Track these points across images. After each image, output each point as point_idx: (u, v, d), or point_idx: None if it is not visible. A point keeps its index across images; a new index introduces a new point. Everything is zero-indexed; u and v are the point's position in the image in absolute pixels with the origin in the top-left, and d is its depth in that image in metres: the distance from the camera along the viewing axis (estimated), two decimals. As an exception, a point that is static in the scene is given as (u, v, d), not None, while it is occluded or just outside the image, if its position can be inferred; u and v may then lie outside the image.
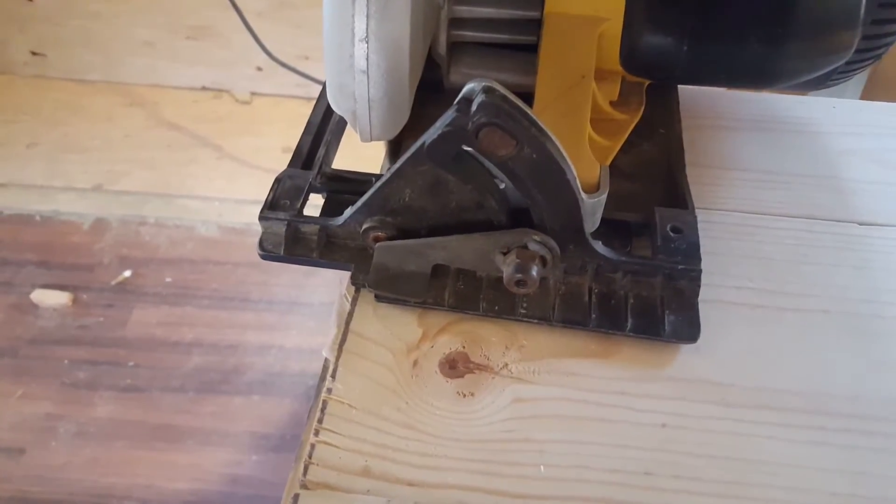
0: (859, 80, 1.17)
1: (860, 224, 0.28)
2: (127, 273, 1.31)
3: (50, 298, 1.28)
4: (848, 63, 0.27)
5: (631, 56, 0.24)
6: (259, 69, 1.56)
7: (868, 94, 1.05)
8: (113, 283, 1.29)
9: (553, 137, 0.21)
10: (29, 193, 1.46)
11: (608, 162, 0.28)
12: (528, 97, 0.25)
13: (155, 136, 1.56)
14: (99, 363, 1.19)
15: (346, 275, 0.26)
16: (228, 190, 1.44)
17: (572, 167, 0.22)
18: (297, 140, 0.31)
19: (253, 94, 1.64)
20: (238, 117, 1.60)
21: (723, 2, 0.21)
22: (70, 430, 1.11)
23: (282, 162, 0.34)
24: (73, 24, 1.59)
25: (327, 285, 1.29)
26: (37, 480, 1.06)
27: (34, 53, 1.66)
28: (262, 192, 0.34)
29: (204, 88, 1.64)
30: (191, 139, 1.54)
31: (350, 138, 0.30)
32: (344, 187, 0.28)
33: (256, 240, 0.26)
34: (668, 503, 0.20)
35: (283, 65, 1.43)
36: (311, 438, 0.21)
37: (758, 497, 0.20)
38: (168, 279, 1.30)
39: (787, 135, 0.32)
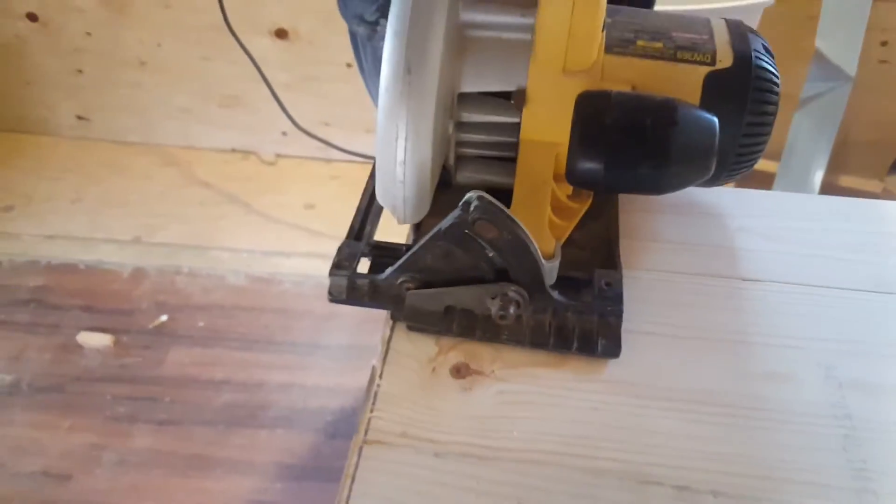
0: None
1: (742, 279, 0.41)
2: (163, 318, 1.43)
3: (94, 340, 1.40)
4: (727, 175, 0.40)
5: (570, 174, 0.37)
6: (284, 134, 1.71)
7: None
8: (151, 326, 1.42)
9: (521, 226, 0.34)
10: (74, 244, 1.59)
11: (565, 236, 0.40)
12: (508, 193, 0.38)
13: (188, 193, 1.70)
14: (138, 399, 1.30)
15: (383, 314, 0.39)
16: (255, 242, 1.57)
17: (535, 244, 0.35)
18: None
19: (278, 155, 1.78)
20: (264, 177, 1.74)
21: (625, 143, 0.34)
22: (112, 459, 1.21)
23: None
24: (117, 92, 1.74)
25: (343, 330, 1.41)
26: (82, 504, 1.15)
27: (80, 118, 1.81)
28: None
29: (233, 150, 1.79)
30: (221, 196, 1.68)
31: (386, 218, 0.43)
32: (383, 253, 0.41)
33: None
34: (595, 455, 0.32)
35: (305, 132, 1.58)
36: (368, 416, 0.33)
37: (652, 453, 0.32)
38: (201, 323, 1.43)
39: (698, 216, 0.45)
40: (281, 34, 1.56)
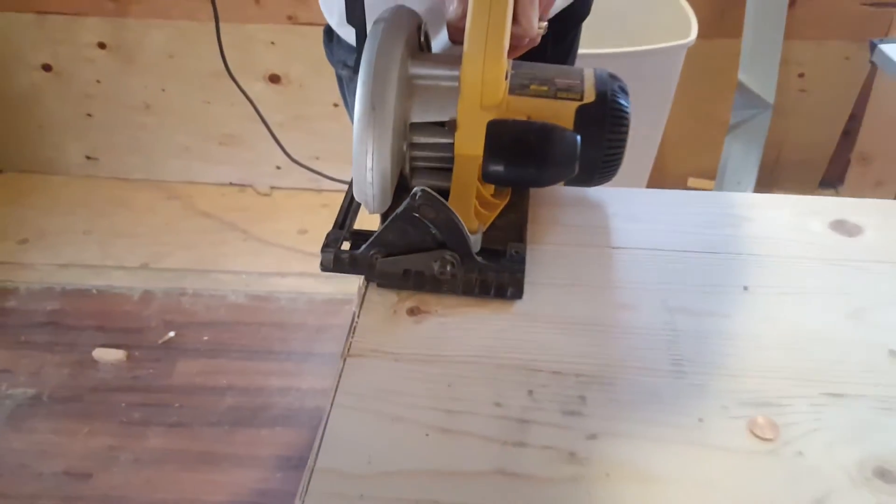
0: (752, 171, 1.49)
1: (611, 248, 0.58)
2: (171, 334, 1.58)
3: (108, 355, 1.54)
4: (599, 177, 0.57)
5: (485, 175, 0.54)
6: (278, 167, 1.88)
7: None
8: (160, 342, 1.57)
9: (453, 211, 0.51)
10: (87, 272, 1.74)
11: (489, 222, 0.57)
12: (448, 192, 0.55)
13: (191, 223, 1.86)
14: (150, 405, 1.44)
15: (358, 279, 0.55)
16: (253, 265, 1.73)
17: (463, 223, 0.52)
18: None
19: (272, 188, 1.95)
20: (260, 207, 1.91)
21: (518, 153, 0.51)
22: (128, 458, 1.35)
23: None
24: (123, 133, 1.91)
25: (334, 340, 1.56)
26: (103, 498, 1.29)
27: (88, 157, 1.98)
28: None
29: (231, 184, 1.96)
30: (221, 225, 1.85)
31: (362, 211, 0.59)
32: (359, 237, 0.57)
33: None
34: (500, 356, 0.48)
35: (299, 163, 1.76)
36: (350, 340, 0.50)
37: (538, 354, 0.49)
38: (205, 338, 1.58)
39: (585, 207, 0.62)
40: (274, 79, 1.75)
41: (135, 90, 1.81)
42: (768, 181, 1.73)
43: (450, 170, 0.56)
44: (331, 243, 0.56)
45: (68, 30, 1.70)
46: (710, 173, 1.64)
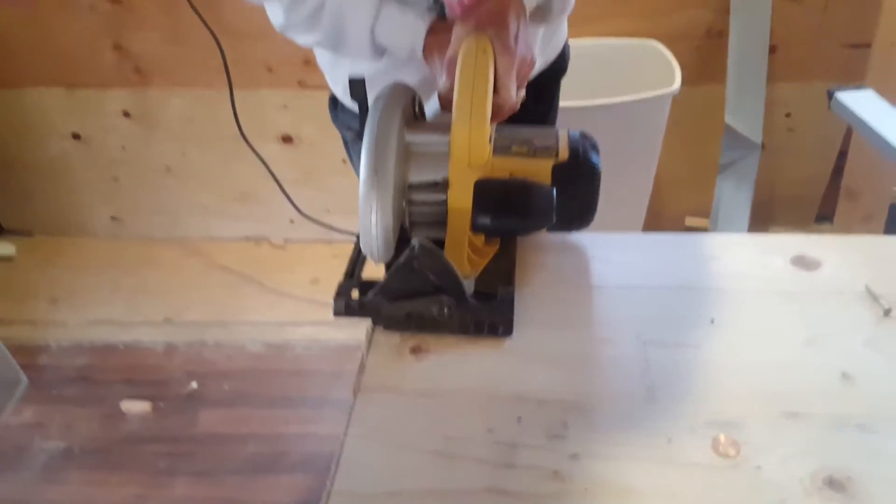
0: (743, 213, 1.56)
1: (590, 286, 0.64)
2: (194, 384, 1.65)
3: (135, 407, 1.61)
4: (577, 225, 0.64)
5: (474, 226, 0.61)
6: (291, 221, 1.97)
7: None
8: (184, 392, 1.63)
9: (448, 261, 0.58)
10: (114, 328, 1.82)
11: (481, 268, 0.64)
12: (443, 242, 0.62)
13: (210, 278, 1.95)
14: (176, 455, 1.50)
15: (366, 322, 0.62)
16: (270, 315, 1.80)
17: (457, 270, 0.59)
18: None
19: (286, 240, 2.03)
20: (275, 259, 1.99)
21: (501, 206, 0.59)
22: (156, 506, 1.40)
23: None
24: (147, 195, 2.02)
25: (349, 385, 1.62)
26: (132, 545, 1.33)
27: (113, 219, 2.08)
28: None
29: (247, 238, 2.05)
30: (238, 278, 1.93)
31: (368, 262, 0.66)
32: (367, 285, 0.64)
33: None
34: (493, 387, 0.55)
35: (310, 218, 1.84)
36: (360, 378, 0.56)
37: (526, 384, 0.55)
38: (226, 387, 1.64)
39: (567, 252, 0.68)
40: (287, 139, 1.85)
41: (157, 154, 1.92)
42: (764, 218, 1.79)
43: (444, 222, 0.64)
44: (342, 292, 0.63)
45: (95, 101, 1.82)
46: (706, 212, 1.71)
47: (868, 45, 1.55)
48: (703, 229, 1.67)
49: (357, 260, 0.67)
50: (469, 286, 0.61)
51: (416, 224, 0.65)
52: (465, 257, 0.62)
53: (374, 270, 0.65)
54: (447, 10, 0.71)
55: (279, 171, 1.83)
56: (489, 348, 0.59)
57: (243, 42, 1.00)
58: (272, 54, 1.71)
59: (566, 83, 0.96)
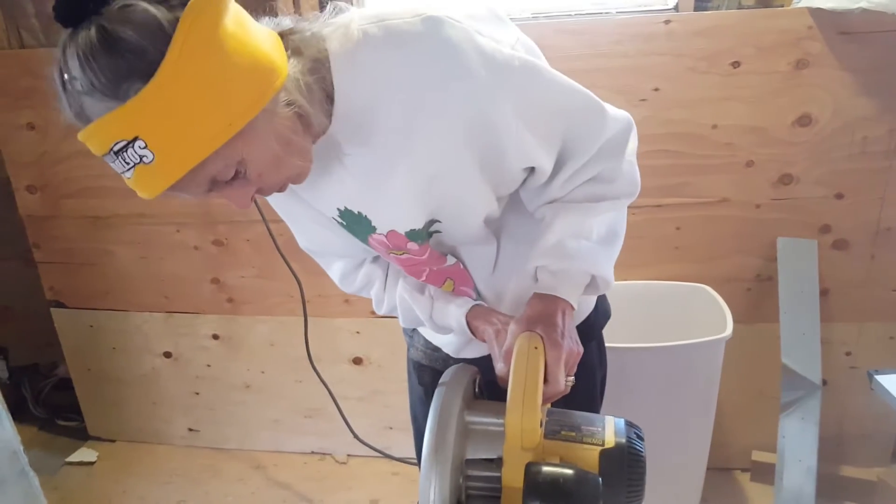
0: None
1: None
2: None
3: None
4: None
5: None
6: (355, 436, 2.03)
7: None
8: None
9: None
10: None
11: None
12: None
13: (270, 495, 1.98)
14: None
15: None
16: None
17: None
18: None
19: (349, 455, 2.08)
20: (337, 475, 2.03)
21: (549, 492, 0.64)
22: None
23: None
24: (224, 409, 2.13)
25: None
26: None
27: (190, 430, 2.18)
28: None
29: (312, 453, 2.10)
30: (297, 497, 1.95)
31: None
32: None
33: None
34: None
35: (366, 444, 1.93)
36: None
37: None
38: None
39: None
40: (357, 361, 1.97)
41: (238, 372, 2.07)
42: (835, 457, 1.73)
43: (498, 498, 0.69)
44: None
45: (190, 325, 2.02)
46: (772, 446, 1.67)
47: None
48: (771, 465, 1.62)
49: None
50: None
51: (472, 498, 0.71)
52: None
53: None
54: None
55: (349, 389, 1.94)
56: None
57: (324, 279, 1.15)
58: (350, 289, 1.90)
59: (615, 324, 1.03)
